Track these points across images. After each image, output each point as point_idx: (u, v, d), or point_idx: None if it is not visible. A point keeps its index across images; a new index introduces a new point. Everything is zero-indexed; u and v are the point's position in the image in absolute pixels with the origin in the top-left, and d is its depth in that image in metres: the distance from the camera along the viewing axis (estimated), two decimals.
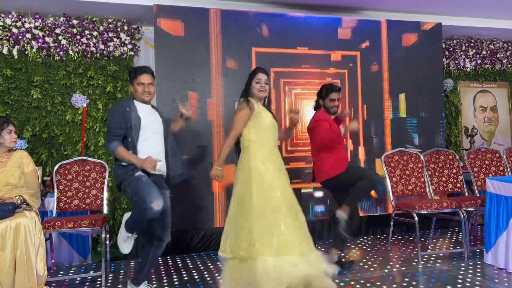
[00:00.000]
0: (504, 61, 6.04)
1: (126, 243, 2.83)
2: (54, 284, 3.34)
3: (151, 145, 2.84)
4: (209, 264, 3.80)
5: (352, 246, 4.31)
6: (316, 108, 3.57)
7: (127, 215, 2.85)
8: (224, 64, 4.32)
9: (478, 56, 5.90)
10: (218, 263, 3.71)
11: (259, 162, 2.84)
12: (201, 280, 3.34)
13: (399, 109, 4.90)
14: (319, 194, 4.53)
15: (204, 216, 4.21)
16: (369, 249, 4.16)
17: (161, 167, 2.88)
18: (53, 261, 3.68)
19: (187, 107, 3.09)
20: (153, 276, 3.46)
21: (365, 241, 4.52)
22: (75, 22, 4.39)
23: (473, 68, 5.90)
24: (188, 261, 3.91)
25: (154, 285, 3.26)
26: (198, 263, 3.85)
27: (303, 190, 4.48)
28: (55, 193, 3.61)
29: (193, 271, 3.59)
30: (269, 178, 2.81)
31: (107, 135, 2.89)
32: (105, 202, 3.70)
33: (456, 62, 5.79)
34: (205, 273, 3.53)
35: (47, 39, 4.30)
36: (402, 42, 4.93)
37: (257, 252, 2.63)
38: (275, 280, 2.58)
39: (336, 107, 3.50)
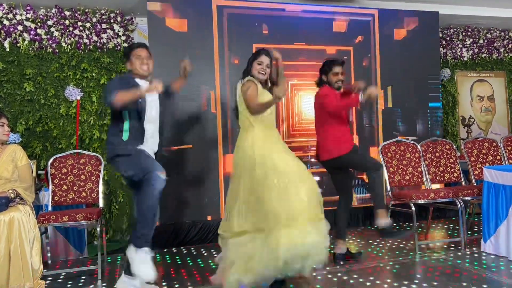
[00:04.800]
0: (501, 50, 6.01)
1: (144, 266, 2.63)
2: (50, 278, 3.31)
3: (152, 123, 2.84)
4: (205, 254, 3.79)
5: (349, 236, 4.31)
6: (319, 84, 3.44)
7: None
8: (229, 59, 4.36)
9: (475, 45, 5.86)
10: (215, 254, 3.70)
11: (259, 141, 2.79)
12: (198, 273, 3.33)
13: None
14: (315, 178, 4.52)
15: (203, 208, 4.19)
16: (366, 240, 4.15)
17: (155, 146, 2.90)
18: (49, 255, 3.66)
19: (188, 63, 3.06)
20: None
21: (362, 231, 4.52)
22: (67, 13, 4.33)
23: (470, 57, 5.86)
24: (185, 253, 3.90)
25: None
26: (195, 253, 3.84)
27: None
28: (50, 187, 3.58)
29: (190, 264, 3.58)
30: (270, 156, 2.72)
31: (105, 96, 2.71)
32: (100, 195, 3.66)
33: (453, 51, 5.75)
34: (201, 264, 3.53)
35: (39, 31, 4.24)
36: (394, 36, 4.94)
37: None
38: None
39: (341, 81, 3.37)
